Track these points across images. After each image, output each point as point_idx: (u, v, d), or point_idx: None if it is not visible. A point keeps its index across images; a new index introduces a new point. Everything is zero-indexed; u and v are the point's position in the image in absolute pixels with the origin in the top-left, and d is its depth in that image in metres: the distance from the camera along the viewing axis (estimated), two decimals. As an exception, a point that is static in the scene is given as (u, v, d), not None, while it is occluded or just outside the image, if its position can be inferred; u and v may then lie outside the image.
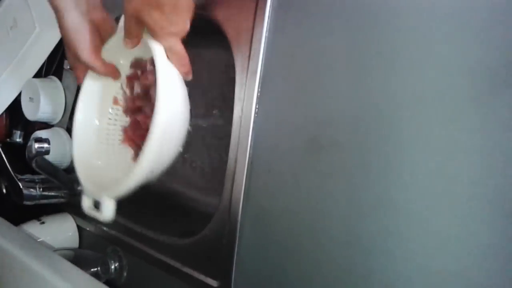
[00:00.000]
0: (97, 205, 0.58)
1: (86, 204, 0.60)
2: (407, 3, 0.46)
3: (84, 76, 0.64)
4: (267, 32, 0.55)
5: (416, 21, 0.45)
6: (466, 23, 0.42)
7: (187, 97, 0.57)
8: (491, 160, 0.40)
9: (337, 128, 0.50)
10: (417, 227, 0.44)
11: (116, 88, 0.67)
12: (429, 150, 0.43)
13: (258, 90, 0.56)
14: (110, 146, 0.66)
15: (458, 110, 0.42)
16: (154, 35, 0.55)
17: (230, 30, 0.59)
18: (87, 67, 0.62)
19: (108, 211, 0.56)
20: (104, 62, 0.61)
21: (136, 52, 0.61)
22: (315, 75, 0.52)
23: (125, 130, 0.67)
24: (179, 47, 0.56)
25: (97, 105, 0.66)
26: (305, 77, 0.53)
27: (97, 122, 0.66)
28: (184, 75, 0.57)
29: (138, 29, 0.56)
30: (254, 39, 0.56)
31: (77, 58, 0.60)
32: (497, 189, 0.40)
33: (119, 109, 0.68)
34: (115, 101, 0.68)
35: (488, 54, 0.41)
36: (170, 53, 0.56)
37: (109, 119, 0.67)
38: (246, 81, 0.57)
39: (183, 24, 0.55)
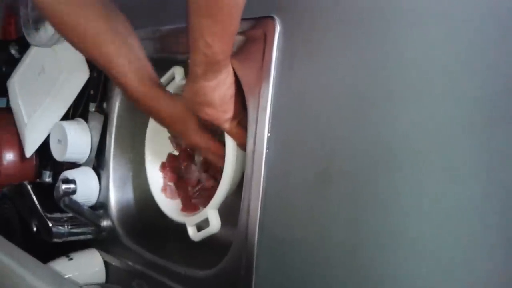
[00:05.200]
0: (198, 228, 0.69)
1: (192, 232, 0.69)
2: (406, 37, 0.48)
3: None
4: (275, 71, 0.58)
5: (416, 55, 0.47)
6: (463, 55, 0.44)
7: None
8: (488, 188, 0.42)
9: (345, 160, 0.52)
10: (421, 255, 0.45)
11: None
12: (431, 180, 0.45)
13: (268, 126, 0.59)
14: None
15: (457, 142, 0.44)
16: (216, 125, 0.64)
17: (240, 71, 0.62)
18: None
19: (216, 220, 0.66)
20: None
21: None
22: (322, 110, 0.54)
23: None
24: (235, 130, 0.64)
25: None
26: (313, 111, 0.55)
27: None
28: (241, 147, 0.65)
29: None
30: (263, 78, 0.59)
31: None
32: (495, 215, 0.41)
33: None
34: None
35: (485, 88, 0.42)
36: (230, 135, 0.65)
37: None
38: (257, 118, 0.60)
39: (235, 109, 0.63)
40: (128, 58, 0.64)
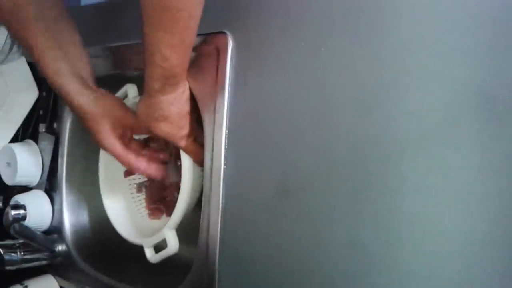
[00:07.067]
0: (156, 249, 0.67)
1: (149, 254, 0.67)
2: (361, 49, 0.49)
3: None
4: (229, 87, 0.58)
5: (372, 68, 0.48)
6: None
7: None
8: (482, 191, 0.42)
9: (302, 174, 0.52)
10: (382, 266, 0.46)
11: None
12: (386, 190, 0.46)
13: (225, 142, 0.58)
14: (134, 203, 0.78)
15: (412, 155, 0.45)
16: (170, 141, 0.63)
17: (195, 87, 0.61)
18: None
19: (174, 241, 0.64)
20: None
21: None
22: (277, 124, 0.54)
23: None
24: (192, 148, 0.63)
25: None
26: (268, 126, 0.55)
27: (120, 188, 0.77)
28: (198, 163, 0.64)
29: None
30: (218, 94, 0.59)
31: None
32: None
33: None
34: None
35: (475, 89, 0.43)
36: (187, 152, 0.63)
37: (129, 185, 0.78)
38: (213, 134, 0.59)
39: (191, 126, 0.62)
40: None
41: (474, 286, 0.41)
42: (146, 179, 0.79)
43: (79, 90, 0.63)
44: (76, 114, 0.64)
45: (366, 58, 0.48)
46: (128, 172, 0.77)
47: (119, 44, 0.75)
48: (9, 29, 0.64)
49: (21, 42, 0.64)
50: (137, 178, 0.79)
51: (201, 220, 0.60)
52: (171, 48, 0.53)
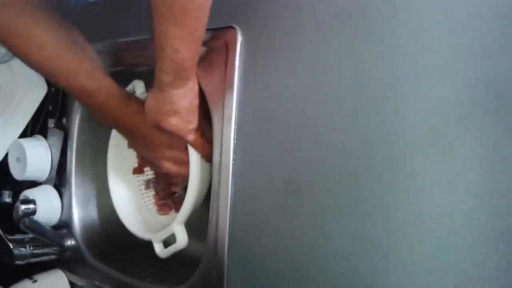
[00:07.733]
0: (165, 244, 0.67)
1: (158, 249, 0.68)
2: (370, 43, 0.49)
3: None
4: (238, 82, 0.58)
5: (386, 64, 0.48)
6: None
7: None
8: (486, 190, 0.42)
9: (311, 170, 0.52)
10: (393, 263, 0.45)
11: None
12: (396, 187, 0.46)
13: (234, 138, 0.58)
14: (143, 199, 0.78)
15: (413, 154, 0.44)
16: (178, 135, 0.62)
17: (204, 82, 0.61)
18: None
19: (182, 235, 0.64)
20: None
21: None
22: (286, 120, 0.54)
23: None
24: (199, 141, 0.63)
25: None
26: (277, 122, 0.55)
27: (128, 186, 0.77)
28: (205, 158, 0.64)
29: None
30: (227, 89, 0.59)
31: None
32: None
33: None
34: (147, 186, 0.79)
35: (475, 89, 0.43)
36: (194, 146, 0.64)
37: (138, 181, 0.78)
38: (222, 129, 0.59)
39: (199, 120, 0.62)
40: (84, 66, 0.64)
41: (485, 282, 0.41)
42: (153, 175, 0.79)
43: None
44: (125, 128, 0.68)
45: (376, 54, 0.48)
46: (138, 170, 0.78)
47: (127, 39, 0.75)
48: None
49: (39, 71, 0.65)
50: (145, 175, 0.79)
51: (210, 215, 0.60)
52: (182, 41, 0.53)
